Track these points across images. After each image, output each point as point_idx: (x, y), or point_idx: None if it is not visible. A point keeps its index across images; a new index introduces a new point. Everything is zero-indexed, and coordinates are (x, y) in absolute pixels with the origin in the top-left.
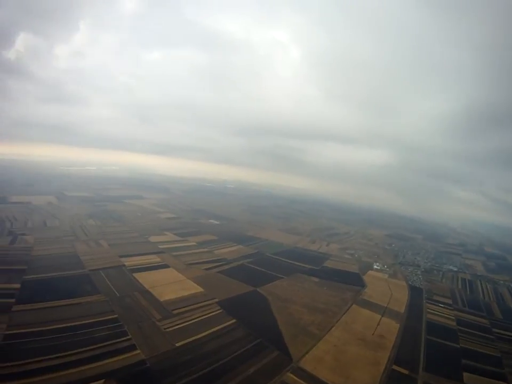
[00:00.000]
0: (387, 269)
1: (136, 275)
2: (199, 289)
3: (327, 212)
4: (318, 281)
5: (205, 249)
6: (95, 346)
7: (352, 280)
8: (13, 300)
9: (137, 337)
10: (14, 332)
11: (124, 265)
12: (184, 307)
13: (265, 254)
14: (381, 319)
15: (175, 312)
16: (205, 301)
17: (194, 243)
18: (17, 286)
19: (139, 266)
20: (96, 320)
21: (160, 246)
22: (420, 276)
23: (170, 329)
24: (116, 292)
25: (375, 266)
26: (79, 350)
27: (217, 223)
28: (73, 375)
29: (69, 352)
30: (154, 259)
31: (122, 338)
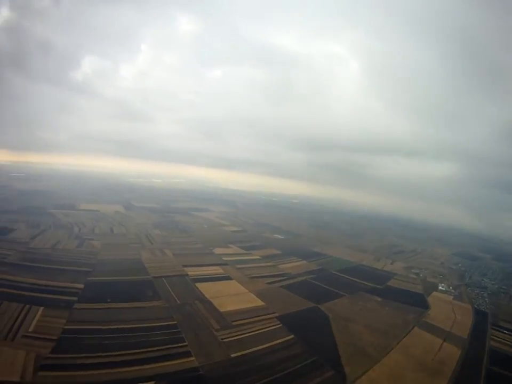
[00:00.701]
0: (452, 291)
1: (199, 285)
2: (260, 302)
3: (393, 229)
4: (381, 301)
5: (269, 263)
6: (150, 349)
7: (416, 301)
8: (75, 298)
9: (193, 345)
10: (73, 327)
11: (187, 275)
12: (243, 319)
13: (329, 271)
14: (442, 344)
15: (234, 323)
16: (264, 315)
17: (258, 257)
18: (81, 286)
19: (202, 277)
20: (154, 324)
21: (224, 258)
22: (486, 299)
23: (227, 339)
24: (177, 299)
25: (440, 287)
26: (134, 350)
27: (282, 237)
28: (125, 373)
29: (124, 352)
30: (217, 270)
31: (178, 344)
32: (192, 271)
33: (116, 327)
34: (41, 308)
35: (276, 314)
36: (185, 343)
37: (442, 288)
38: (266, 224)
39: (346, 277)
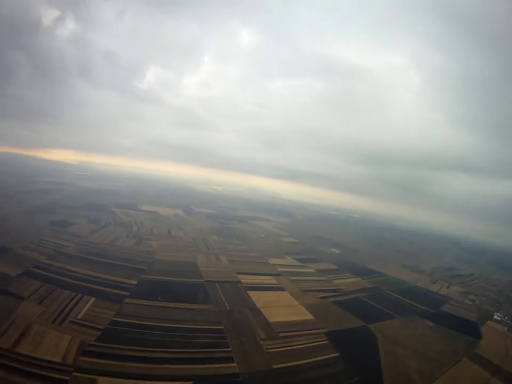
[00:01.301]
0: (508, 321)
1: (250, 293)
2: (309, 316)
3: (453, 250)
4: (432, 326)
5: (323, 278)
6: (193, 350)
7: (468, 329)
8: (127, 293)
9: (236, 351)
10: (120, 320)
11: (240, 282)
12: (290, 331)
13: (383, 290)
14: (489, 379)
15: (280, 334)
16: (312, 329)
17: (313, 270)
18: (134, 282)
19: (254, 285)
20: (201, 327)
21: (279, 269)
22: None
23: (272, 350)
24: (227, 305)
25: (495, 317)
26: (177, 349)
27: (338, 252)
28: (164, 370)
29: (167, 349)
30: (270, 280)
31: (222, 349)
32: (245, 279)
33: (163, 324)
34: (93, 298)
35: (324, 330)
36: (229, 349)
37: (497, 318)
38: (323, 238)
39: (400, 297)
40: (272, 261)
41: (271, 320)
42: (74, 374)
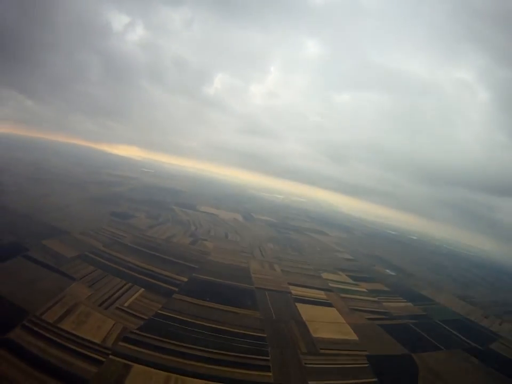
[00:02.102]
0: None
1: (298, 305)
2: (354, 336)
3: (510, 283)
4: (477, 364)
5: (373, 298)
6: (231, 353)
7: None
8: (176, 289)
9: (275, 361)
10: (166, 313)
11: (290, 293)
12: (332, 349)
13: (433, 319)
14: None
15: (321, 351)
16: (354, 350)
17: (364, 289)
18: (185, 279)
19: (304, 298)
20: (244, 332)
21: (330, 284)
22: None
23: (310, 365)
24: (273, 314)
25: None
26: (216, 350)
27: (393, 274)
28: (198, 368)
29: (205, 348)
30: (320, 295)
31: (261, 357)
32: (295, 290)
33: (206, 324)
34: (142, 289)
35: (366, 353)
36: (267, 357)
37: None
38: (379, 257)
39: (449, 329)
40: (325, 275)
41: (314, 335)
42: (111, 356)
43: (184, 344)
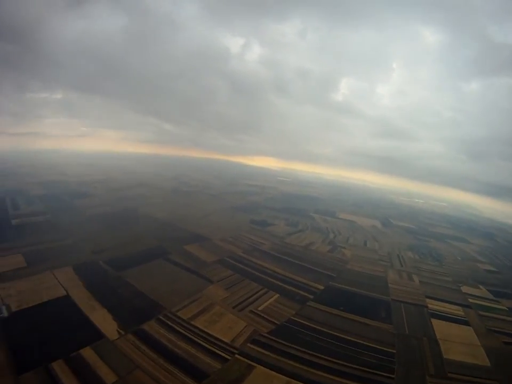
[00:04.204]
0: None
1: (434, 321)
2: (486, 362)
3: None
4: None
5: None
6: (356, 366)
7: None
8: (311, 297)
9: (399, 380)
10: (298, 320)
11: (426, 307)
12: (460, 374)
13: None
14: None
15: (450, 375)
16: (485, 379)
17: (505, 307)
18: (321, 287)
19: (440, 313)
20: (373, 345)
21: (470, 300)
22: None
23: None
24: (407, 329)
25: None
26: (340, 361)
27: None
28: (320, 377)
29: (330, 358)
30: (457, 311)
31: (385, 374)
32: (432, 304)
33: (335, 333)
34: (277, 295)
35: None
36: (392, 375)
37: None
38: None
39: None
40: (465, 289)
41: (445, 356)
42: (237, 356)
43: (311, 352)
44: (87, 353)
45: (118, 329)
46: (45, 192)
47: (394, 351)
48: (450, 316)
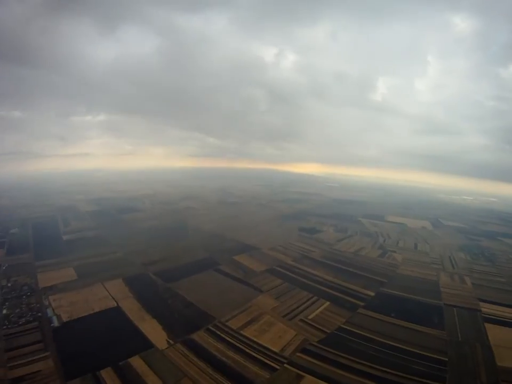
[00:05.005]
0: None
1: (487, 325)
2: None
3: None
4: None
5: None
6: (406, 375)
7: None
8: (362, 304)
9: None
10: (348, 328)
11: (479, 311)
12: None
13: None
14: None
15: (503, 383)
16: None
17: None
18: (372, 294)
19: (494, 317)
20: (425, 353)
21: None
22: None
23: None
24: (459, 335)
25: None
26: (391, 371)
27: None
28: None
29: (381, 367)
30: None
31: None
32: (486, 308)
33: (386, 341)
34: (328, 303)
35: None
36: None
37: None
38: None
39: None
40: None
41: (498, 363)
42: (286, 365)
43: (361, 361)
44: (136, 362)
45: (167, 339)
46: (94, 208)
47: (447, 359)
48: (504, 319)
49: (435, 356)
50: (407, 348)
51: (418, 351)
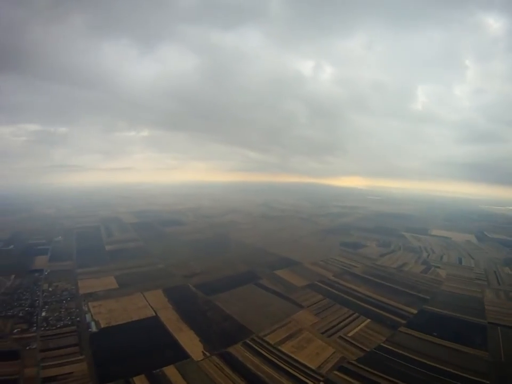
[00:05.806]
0: None
1: None
2: None
3: None
4: None
5: None
6: None
7: None
8: (404, 322)
9: None
10: (388, 347)
11: None
12: None
13: None
14: None
15: None
16: None
17: None
18: (414, 311)
19: None
20: (465, 375)
21: None
22: None
23: None
24: (503, 356)
25: None
26: None
27: None
28: None
29: None
30: None
31: None
32: None
33: (427, 362)
34: (368, 320)
35: None
36: None
37: None
38: None
39: None
40: None
41: None
42: (321, 383)
43: (399, 382)
44: (170, 371)
45: (204, 351)
46: (137, 220)
47: (488, 382)
48: None
49: (476, 379)
50: (448, 369)
51: (458, 373)
